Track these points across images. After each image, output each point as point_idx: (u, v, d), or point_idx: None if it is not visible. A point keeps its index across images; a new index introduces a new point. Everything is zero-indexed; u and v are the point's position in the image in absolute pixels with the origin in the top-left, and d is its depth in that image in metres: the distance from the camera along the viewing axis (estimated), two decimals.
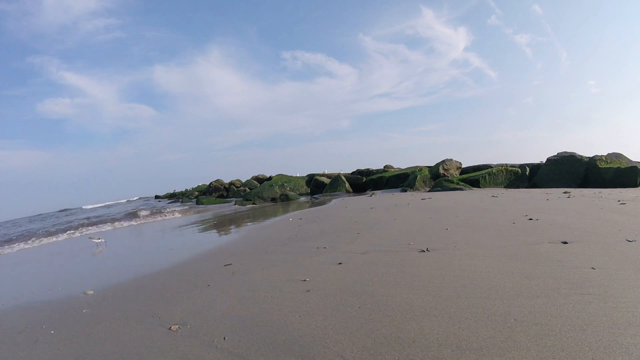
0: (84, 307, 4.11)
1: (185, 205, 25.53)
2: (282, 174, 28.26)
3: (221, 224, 12.11)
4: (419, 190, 18.15)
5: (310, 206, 16.10)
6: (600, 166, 15.98)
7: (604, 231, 5.19)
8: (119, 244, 10.08)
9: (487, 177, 17.65)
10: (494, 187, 17.31)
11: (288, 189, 24.33)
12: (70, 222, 19.83)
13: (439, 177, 18.98)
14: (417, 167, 22.20)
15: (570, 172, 16.77)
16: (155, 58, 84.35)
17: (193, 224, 13.12)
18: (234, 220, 12.88)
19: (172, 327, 3.15)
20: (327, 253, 5.43)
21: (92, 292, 4.76)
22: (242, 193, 26.31)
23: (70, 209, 39.65)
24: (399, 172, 22.69)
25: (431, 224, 7.15)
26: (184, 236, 10.15)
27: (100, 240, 9.63)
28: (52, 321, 3.80)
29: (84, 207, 42.27)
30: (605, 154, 17.00)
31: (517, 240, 5.07)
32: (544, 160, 18.14)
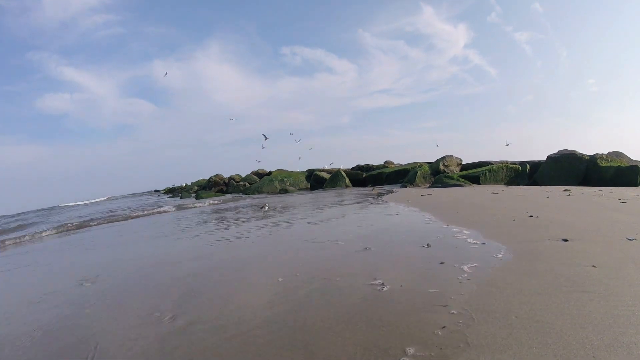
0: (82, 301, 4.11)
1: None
2: (281, 169, 28.18)
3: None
4: (419, 186, 18.13)
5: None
6: (600, 164, 15.94)
7: (604, 229, 5.17)
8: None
9: (487, 174, 17.61)
10: (494, 183, 17.29)
11: (288, 184, 24.29)
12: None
13: (439, 174, 18.94)
14: (417, 163, 22.14)
15: (570, 170, 16.73)
16: (154, 54, 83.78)
17: None
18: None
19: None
20: (325, 249, 5.41)
21: (89, 284, 4.76)
22: (241, 188, 26.26)
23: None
24: (399, 168, 22.61)
25: (431, 220, 7.13)
26: None
27: (267, 207, 11.84)
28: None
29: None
30: (606, 152, 16.93)
31: (517, 238, 5.05)
32: (545, 158, 18.10)
